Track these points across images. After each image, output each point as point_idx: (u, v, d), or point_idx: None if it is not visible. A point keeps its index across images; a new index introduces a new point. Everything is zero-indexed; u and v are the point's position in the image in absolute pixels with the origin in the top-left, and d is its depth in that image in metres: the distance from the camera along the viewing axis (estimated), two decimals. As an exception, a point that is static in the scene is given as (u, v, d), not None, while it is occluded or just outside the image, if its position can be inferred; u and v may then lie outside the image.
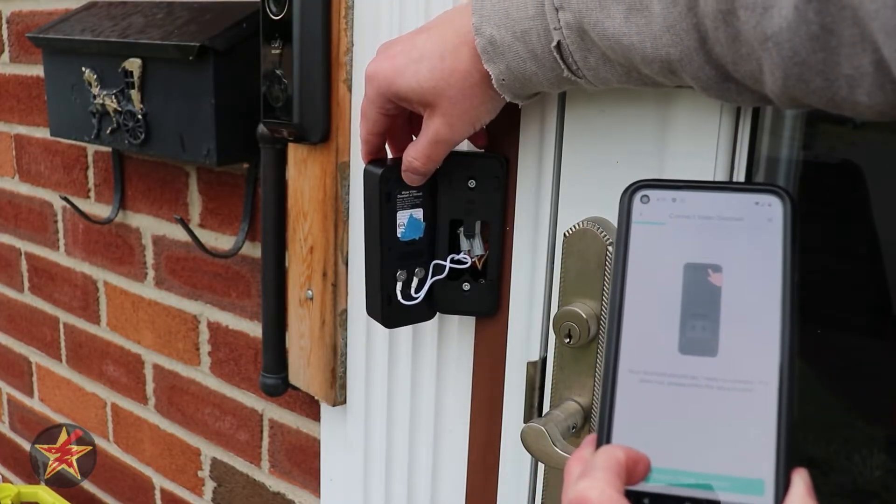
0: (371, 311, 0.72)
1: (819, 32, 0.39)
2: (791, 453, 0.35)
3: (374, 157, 0.68)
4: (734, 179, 0.61)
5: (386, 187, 0.67)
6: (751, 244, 0.38)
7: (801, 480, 0.35)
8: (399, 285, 0.70)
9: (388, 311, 0.70)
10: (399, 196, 0.68)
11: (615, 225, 0.53)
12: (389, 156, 0.69)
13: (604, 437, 0.38)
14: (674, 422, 0.37)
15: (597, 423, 0.39)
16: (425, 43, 0.59)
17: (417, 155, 0.63)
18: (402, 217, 0.68)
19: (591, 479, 0.35)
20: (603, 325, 0.65)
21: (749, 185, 0.39)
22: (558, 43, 0.52)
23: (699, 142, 0.59)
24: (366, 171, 0.68)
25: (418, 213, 0.69)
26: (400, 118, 0.66)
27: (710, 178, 0.60)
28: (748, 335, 0.37)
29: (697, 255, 0.38)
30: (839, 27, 0.38)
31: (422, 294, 0.71)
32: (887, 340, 0.91)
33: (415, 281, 0.71)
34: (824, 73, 0.40)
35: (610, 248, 0.63)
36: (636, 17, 0.47)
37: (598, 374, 0.66)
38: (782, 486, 0.35)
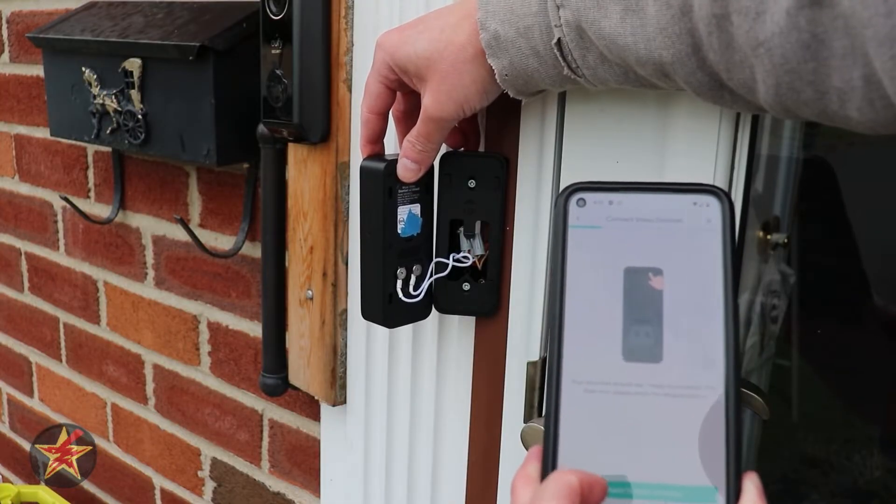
0: (369, 313, 0.71)
1: (810, 41, 0.39)
2: (741, 458, 0.35)
3: (372, 148, 0.67)
4: (733, 179, 0.61)
5: (389, 181, 0.66)
6: (690, 246, 0.37)
7: (752, 486, 0.35)
8: (399, 283, 0.70)
9: (388, 311, 0.70)
10: (400, 191, 0.68)
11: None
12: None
13: (550, 452, 0.36)
14: (621, 432, 0.36)
15: (542, 436, 0.38)
16: (433, 19, 0.60)
17: (414, 134, 0.62)
18: (402, 212, 0.68)
19: None
20: None
21: (687, 186, 0.38)
22: (559, 40, 0.52)
23: (699, 141, 0.59)
24: (364, 168, 0.67)
25: (416, 209, 0.69)
26: (407, 103, 0.66)
27: (710, 179, 0.60)
28: (692, 339, 0.36)
29: (637, 258, 0.38)
30: (830, 38, 0.38)
31: (422, 291, 0.71)
32: (870, 328, 0.91)
33: (413, 278, 0.71)
34: (814, 84, 0.40)
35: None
36: (631, 18, 0.47)
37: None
38: (734, 493, 0.34)
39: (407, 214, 0.69)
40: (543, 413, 0.34)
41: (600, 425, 0.36)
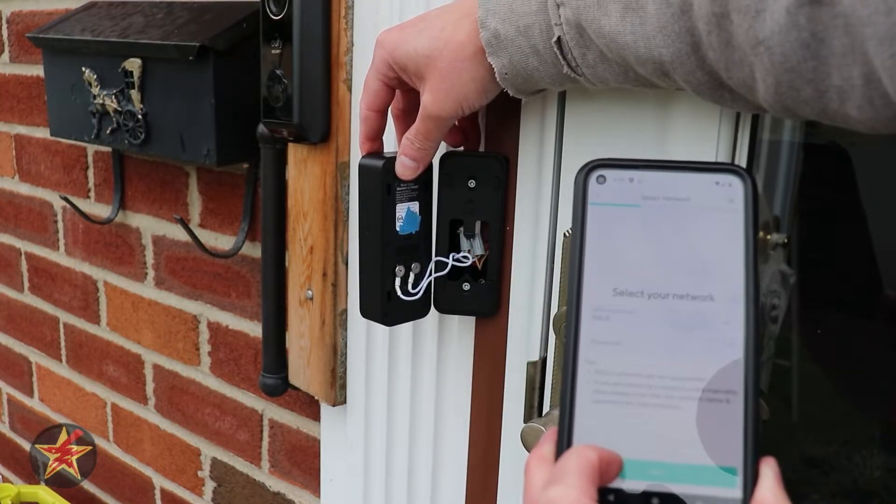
0: (367, 311, 0.71)
1: (810, 40, 0.39)
2: (760, 441, 0.35)
3: (371, 145, 0.67)
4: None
5: (387, 178, 0.66)
6: (712, 226, 0.37)
7: (770, 470, 0.34)
8: (398, 281, 0.70)
9: (387, 308, 0.70)
10: (398, 189, 0.68)
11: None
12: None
13: (565, 433, 0.36)
14: (637, 413, 0.36)
15: (557, 417, 0.38)
16: (433, 18, 0.60)
17: (412, 132, 0.63)
18: (401, 210, 0.68)
19: (564, 486, 0.33)
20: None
21: (709, 165, 0.37)
22: (559, 38, 0.52)
23: (699, 141, 0.59)
24: (363, 166, 0.67)
25: (415, 206, 0.69)
26: (406, 101, 0.66)
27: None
28: (712, 320, 0.36)
29: (657, 237, 0.37)
30: (830, 36, 0.38)
31: (421, 289, 0.71)
32: (879, 321, 0.91)
33: (411, 276, 0.71)
34: (814, 83, 0.40)
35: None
36: (631, 17, 0.47)
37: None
38: (751, 477, 0.34)
39: (405, 212, 0.69)
40: (559, 393, 0.34)
41: (616, 406, 0.36)
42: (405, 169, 0.65)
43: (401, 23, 0.63)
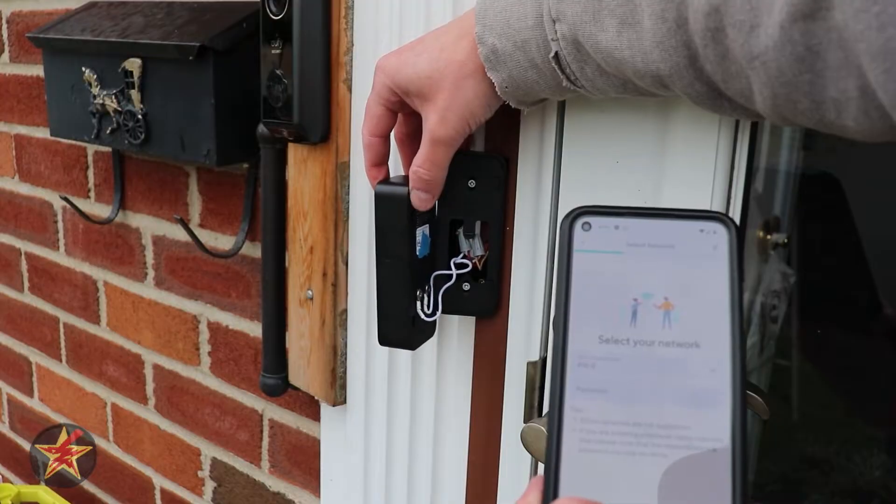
0: (392, 339, 0.70)
1: (805, 54, 0.39)
2: (747, 490, 0.34)
3: (378, 171, 0.66)
4: (733, 183, 0.61)
5: (412, 206, 0.65)
6: (696, 273, 0.37)
7: None
8: (419, 304, 0.69)
9: (412, 333, 0.69)
10: (418, 214, 0.67)
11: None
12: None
13: (551, 482, 0.36)
14: (624, 462, 0.36)
15: (543, 466, 0.37)
16: (431, 40, 0.60)
17: (420, 161, 0.62)
18: (418, 235, 0.68)
19: None
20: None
21: (693, 212, 0.38)
22: (556, 53, 0.52)
23: (699, 146, 0.59)
24: (384, 194, 0.65)
25: (426, 229, 0.69)
26: (409, 124, 0.66)
27: (709, 181, 0.60)
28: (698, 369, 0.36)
29: (643, 284, 0.37)
30: (824, 50, 0.38)
31: (438, 307, 0.71)
32: (877, 337, 0.91)
33: (426, 297, 0.71)
34: (811, 95, 0.40)
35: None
36: (628, 32, 0.47)
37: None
38: None
39: (421, 236, 0.68)
40: (545, 444, 0.33)
41: (603, 455, 0.36)
42: (421, 202, 0.64)
43: (398, 47, 0.63)
